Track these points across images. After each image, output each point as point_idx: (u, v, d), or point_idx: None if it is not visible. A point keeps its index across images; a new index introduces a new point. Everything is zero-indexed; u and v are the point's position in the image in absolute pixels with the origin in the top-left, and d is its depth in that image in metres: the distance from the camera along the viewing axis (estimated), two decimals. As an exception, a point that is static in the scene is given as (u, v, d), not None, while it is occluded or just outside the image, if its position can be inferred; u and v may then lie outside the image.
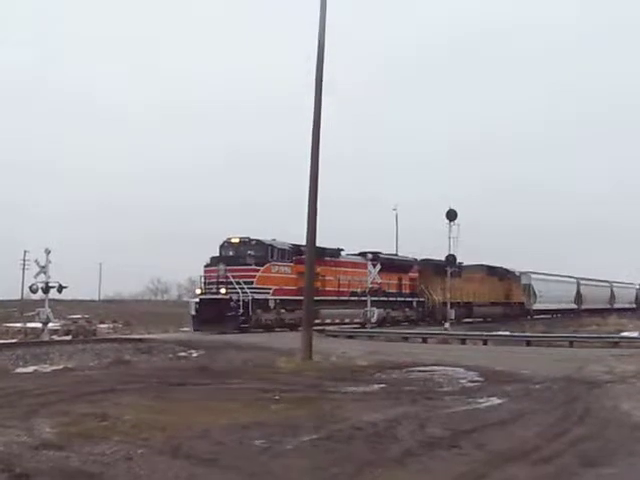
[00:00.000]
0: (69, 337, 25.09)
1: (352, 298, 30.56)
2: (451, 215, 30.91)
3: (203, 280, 27.05)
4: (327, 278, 29.50)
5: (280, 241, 28.34)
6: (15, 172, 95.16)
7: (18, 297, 57.66)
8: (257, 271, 26.68)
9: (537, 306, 46.09)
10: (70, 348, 18.82)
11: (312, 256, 16.98)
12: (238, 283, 25.69)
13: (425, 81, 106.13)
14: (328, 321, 28.88)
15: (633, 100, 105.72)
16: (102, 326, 31.61)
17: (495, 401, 9.98)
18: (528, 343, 22.48)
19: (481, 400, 10.03)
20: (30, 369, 15.14)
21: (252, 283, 26.19)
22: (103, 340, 21.95)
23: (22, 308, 41.00)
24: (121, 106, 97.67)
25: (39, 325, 24.68)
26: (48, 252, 23.26)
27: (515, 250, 69.77)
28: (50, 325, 24.58)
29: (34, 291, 24.13)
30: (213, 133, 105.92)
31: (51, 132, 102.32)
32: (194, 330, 25.99)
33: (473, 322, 37.79)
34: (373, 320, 30.42)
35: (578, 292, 53.29)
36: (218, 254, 27.55)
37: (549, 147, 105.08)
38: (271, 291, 27.08)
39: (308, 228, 16.27)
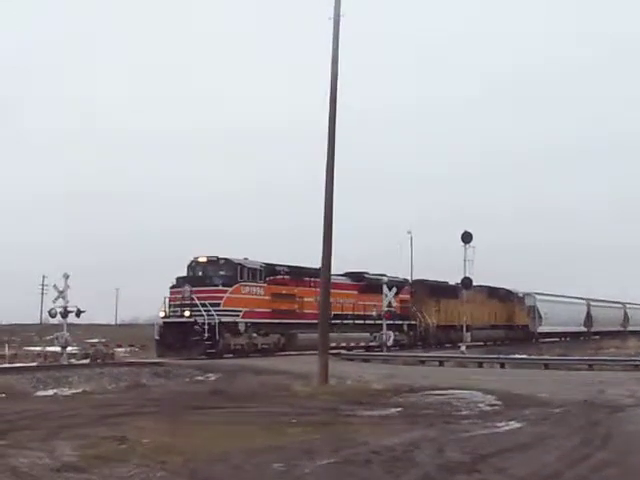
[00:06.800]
0: (87, 361, 25.13)
1: (335, 321, 27.99)
2: (466, 237, 30.74)
3: (168, 302, 25.23)
4: (306, 300, 27.36)
5: (252, 260, 26.69)
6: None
7: (37, 321, 58.08)
8: (224, 292, 24.89)
9: (542, 329, 44.34)
10: (88, 372, 18.91)
11: (327, 279, 16.94)
12: (204, 305, 23.90)
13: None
14: (334, 344, 26.59)
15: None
16: (119, 350, 31.59)
17: (514, 425, 9.89)
18: (546, 366, 22.24)
19: (500, 424, 9.95)
20: (50, 392, 15.27)
21: (219, 305, 24.41)
22: (120, 364, 21.98)
23: (41, 332, 41.28)
24: (146, 131, 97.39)
25: (58, 349, 24.81)
26: (67, 277, 23.43)
27: (524, 272, 68.56)
28: (68, 349, 24.68)
29: (53, 315, 24.25)
30: (224, 160, 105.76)
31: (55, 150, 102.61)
32: (158, 356, 24.27)
33: (485, 346, 37.05)
34: (389, 343, 30.16)
35: (588, 314, 51.40)
36: (185, 274, 25.94)
37: (559, 165, 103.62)
38: (241, 313, 25.21)
39: (324, 250, 16.29)
